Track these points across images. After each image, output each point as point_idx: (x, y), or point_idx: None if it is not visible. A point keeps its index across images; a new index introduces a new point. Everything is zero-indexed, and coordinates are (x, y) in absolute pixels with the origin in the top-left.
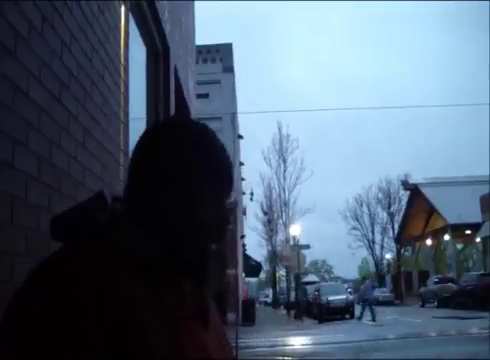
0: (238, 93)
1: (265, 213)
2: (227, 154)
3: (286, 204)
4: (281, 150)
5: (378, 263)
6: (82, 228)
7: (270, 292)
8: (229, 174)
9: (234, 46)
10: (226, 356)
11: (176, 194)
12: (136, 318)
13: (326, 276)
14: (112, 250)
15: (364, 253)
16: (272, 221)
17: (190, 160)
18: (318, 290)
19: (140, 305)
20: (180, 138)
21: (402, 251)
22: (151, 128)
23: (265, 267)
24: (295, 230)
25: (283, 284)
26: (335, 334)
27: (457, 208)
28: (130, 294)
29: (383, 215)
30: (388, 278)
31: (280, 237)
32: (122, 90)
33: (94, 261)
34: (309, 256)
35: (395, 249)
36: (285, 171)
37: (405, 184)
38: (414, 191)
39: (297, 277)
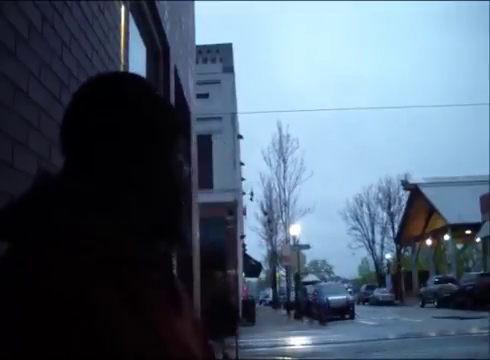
0: (238, 93)
1: (265, 213)
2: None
3: (286, 204)
4: (281, 150)
5: (378, 263)
6: (37, 223)
7: (270, 292)
8: (180, 121)
9: (234, 46)
10: (200, 341)
11: (144, 161)
12: (105, 317)
13: (326, 276)
14: (80, 249)
15: (364, 253)
16: (272, 221)
17: (152, 117)
18: (318, 290)
19: (110, 304)
20: (134, 94)
21: (402, 251)
22: (89, 86)
23: (265, 267)
24: (295, 230)
25: (283, 284)
26: (335, 334)
27: (457, 208)
28: (98, 295)
29: (383, 215)
30: (388, 278)
31: (280, 237)
32: None
33: (59, 263)
34: (309, 256)
35: (395, 249)
36: (285, 171)
37: (405, 184)
38: (414, 191)
39: (297, 277)
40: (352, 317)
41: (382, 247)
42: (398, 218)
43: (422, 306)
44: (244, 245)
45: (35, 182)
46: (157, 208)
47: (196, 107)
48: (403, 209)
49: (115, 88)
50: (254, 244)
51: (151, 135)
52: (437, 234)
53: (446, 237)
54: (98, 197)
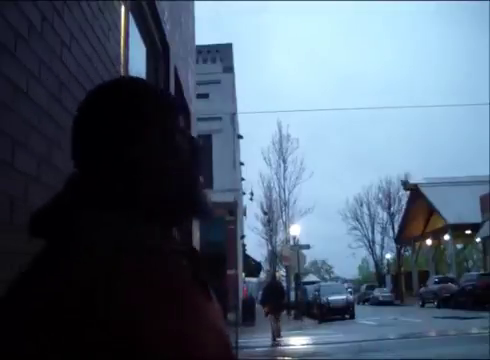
0: (238, 93)
1: (265, 213)
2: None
3: (286, 204)
4: (281, 150)
5: (378, 263)
6: (73, 224)
7: None
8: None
9: (234, 46)
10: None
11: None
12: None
13: (326, 276)
14: (119, 249)
15: (364, 253)
16: (272, 221)
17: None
18: (318, 290)
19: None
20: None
21: (402, 251)
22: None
23: (265, 267)
24: (295, 230)
25: (283, 284)
26: (335, 334)
27: (457, 208)
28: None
29: (383, 215)
30: (388, 278)
31: (280, 237)
32: None
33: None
34: (309, 256)
35: (395, 249)
36: (285, 171)
37: (405, 184)
38: (414, 191)
39: (297, 277)
40: (352, 317)
41: (382, 247)
42: (398, 218)
43: (422, 306)
44: (244, 245)
45: (67, 185)
46: (176, 189)
47: (196, 107)
48: (403, 209)
49: (115, 93)
50: (254, 244)
51: (153, 124)
52: (437, 234)
53: (446, 237)
54: (122, 196)
